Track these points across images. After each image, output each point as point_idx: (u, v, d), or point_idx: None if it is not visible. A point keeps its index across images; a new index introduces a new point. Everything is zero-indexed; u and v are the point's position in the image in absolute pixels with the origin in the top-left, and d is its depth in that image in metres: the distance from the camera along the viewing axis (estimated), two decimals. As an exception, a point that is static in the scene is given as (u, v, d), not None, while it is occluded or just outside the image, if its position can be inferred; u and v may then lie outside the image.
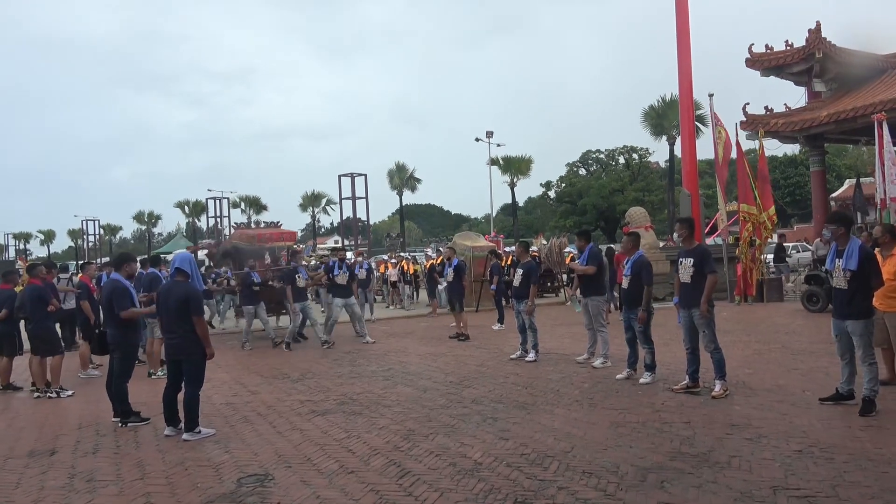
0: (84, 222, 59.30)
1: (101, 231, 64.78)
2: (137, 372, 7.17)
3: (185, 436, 5.84)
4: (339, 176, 27.30)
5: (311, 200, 63.26)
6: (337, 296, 11.67)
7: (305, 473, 4.78)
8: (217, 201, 44.88)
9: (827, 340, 6.64)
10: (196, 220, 61.31)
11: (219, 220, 44.52)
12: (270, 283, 12.41)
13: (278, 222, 15.47)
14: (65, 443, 5.95)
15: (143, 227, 72.57)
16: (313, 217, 64.86)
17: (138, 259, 8.42)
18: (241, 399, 7.50)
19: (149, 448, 5.65)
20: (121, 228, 77.93)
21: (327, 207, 63.15)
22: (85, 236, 59.68)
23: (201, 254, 18.70)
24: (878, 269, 5.88)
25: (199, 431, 5.89)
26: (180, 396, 6.00)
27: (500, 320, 13.38)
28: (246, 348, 11.56)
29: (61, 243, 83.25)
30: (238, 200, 60.72)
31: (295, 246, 15.45)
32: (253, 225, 14.84)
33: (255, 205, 63.10)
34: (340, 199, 29.77)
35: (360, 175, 26.40)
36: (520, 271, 9.50)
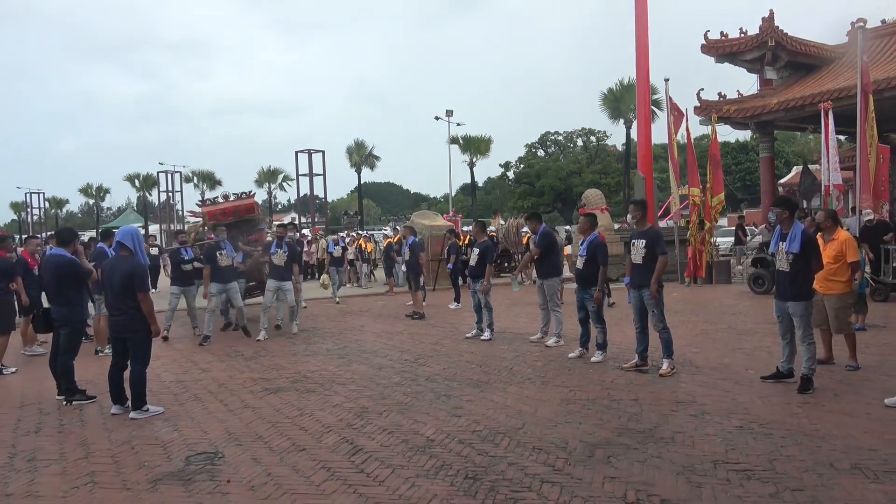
0: (28, 195, 57.00)
1: (47, 204, 62.37)
2: (84, 349, 6.97)
3: (132, 414, 5.72)
4: (297, 152, 26.68)
5: (268, 176, 62.11)
6: (272, 277, 10.28)
7: (256, 451, 4.75)
8: (169, 175, 43.59)
9: (770, 321, 6.89)
10: (147, 195, 59.56)
11: (171, 194, 43.33)
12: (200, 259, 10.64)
13: (251, 192, 12.75)
14: (5, 421, 5.76)
15: (91, 201, 70.14)
16: (269, 193, 63.78)
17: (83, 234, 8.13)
18: (191, 377, 7.37)
19: (94, 427, 5.52)
20: (67, 202, 75.11)
21: (284, 184, 62.16)
22: (29, 209, 57.35)
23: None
24: (819, 252, 6.10)
25: (148, 409, 5.78)
26: (127, 374, 5.86)
27: (457, 299, 13.45)
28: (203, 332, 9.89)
29: (3, 216, 79.95)
30: (191, 175, 59.25)
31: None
32: (220, 199, 12.50)
33: (209, 179, 61.67)
34: (297, 175, 29.19)
35: (318, 151, 25.88)
36: (476, 251, 9.55)
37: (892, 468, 4.03)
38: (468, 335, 9.45)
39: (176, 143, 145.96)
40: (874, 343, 7.84)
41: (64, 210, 73.74)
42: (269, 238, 12.05)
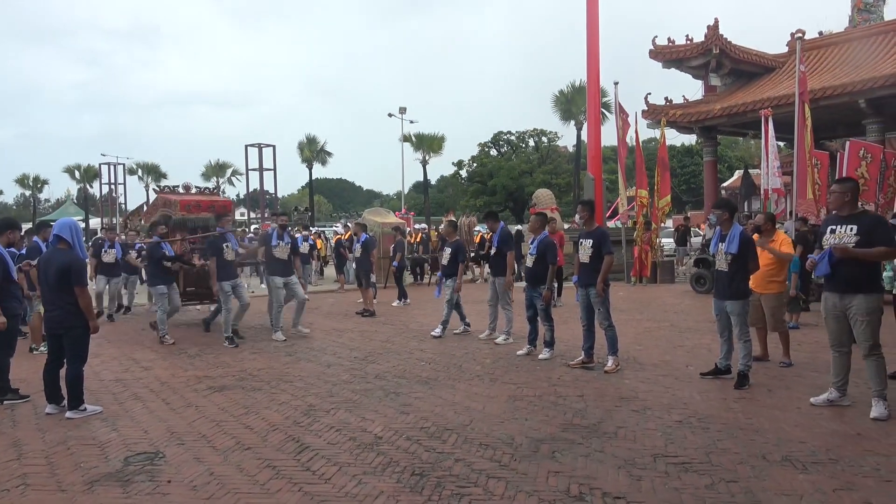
0: (-43, 185, 54.23)
1: (-22, 195, 59.52)
2: (19, 346, 6.68)
3: (68, 413, 5.52)
4: (247, 146, 26.14)
5: (216, 170, 60.69)
6: (276, 274, 9.27)
7: (199, 451, 4.65)
8: (111, 167, 42.10)
9: (711, 319, 7.12)
10: (88, 187, 57.42)
11: (113, 186, 41.88)
12: (190, 259, 10.02)
13: (215, 188, 12.73)
14: (-71, 422, 5.48)
15: (28, 193, 67.20)
16: (218, 188, 62.24)
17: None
18: (132, 375, 7.16)
19: (27, 427, 5.30)
20: (1, 193, 71.82)
21: (233, 178, 60.86)
22: (-41, 200, 54.58)
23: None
24: (756, 253, 6.33)
25: (85, 409, 5.59)
26: (63, 372, 5.65)
27: (401, 297, 13.46)
28: (167, 341, 8.99)
29: (-71, 206, 75.89)
30: (135, 167, 57.38)
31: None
32: (181, 189, 11.77)
33: (154, 172, 59.80)
34: (247, 169, 28.50)
35: (269, 146, 25.40)
36: (448, 250, 9.54)
37: (819, 460, 4.22)
38: (456, 331, 9.42)
39: (120, 135, 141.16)
40: (806, 341, 8.19)
41: (-2, 202, 70.40)
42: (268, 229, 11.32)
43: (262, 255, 10.17)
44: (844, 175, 11.77)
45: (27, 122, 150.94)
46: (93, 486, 4.05)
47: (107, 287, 11.87)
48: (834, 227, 5.22)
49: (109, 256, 11.60)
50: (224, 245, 8.95)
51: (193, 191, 11.65)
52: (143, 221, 12.57)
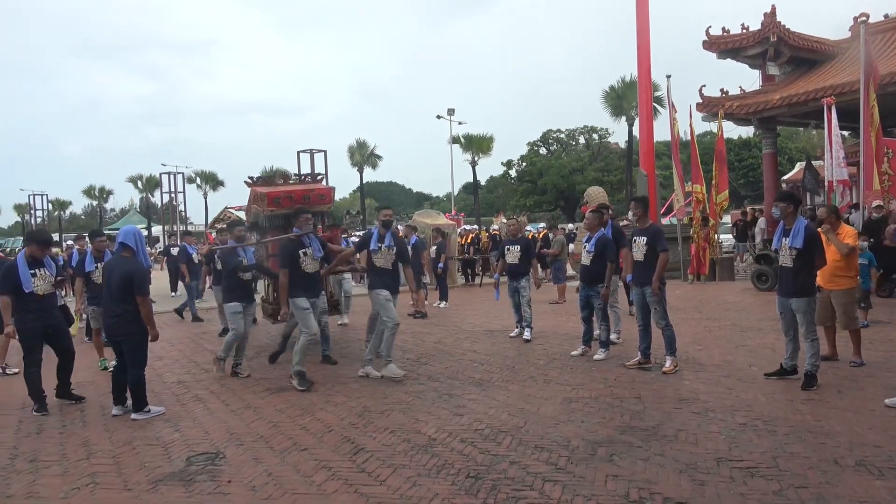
0: (31, 197, 57.08)
1: (50, 206, 62.51)
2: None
3: (133, 415, 5.71)
4: (298, 152, 26.53)
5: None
6: (378, 287, 6.84)
7: (258, 451, 4.73)
8: (171, 176, 43.63)
9: (774, 318, 6.85)
10: (150, 196, 59.63)
11: (173, 195, 43.36)
12: (268, 268, 8.10)
13: (318, 175, 9.64)
14: (6, 423, 5.76)
15: (94, 203, 70.27)
16: (320, 173, 63.56)
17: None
18: (193, 377, 7.36)
19: (96, 427, 5.51)
20: (70, 203, 75.20)
21: (287, 184, 62.06)
22: (32, 211, 57.45)
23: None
24: (823, 248, 6.06)
25: (149, 410, 5.76)
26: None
27: (442, 297, 13.44)
28: (240, 373, 7.28)
29: (7, 218, 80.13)
30: (193, 176, 59.26)
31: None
32: (279, 180, 9.42)
33: (212, 180, 61.58)
34: (299, 175, 29.05)
35: (320, 151, 25.73)
36: (517, 247, 8.96)
37: (896, 465, 4.00)
38: (511, 334, 9.14)
39: (180, 144, 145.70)
40: (878, 339, 7.79)
41: (67, 212, 73.80)
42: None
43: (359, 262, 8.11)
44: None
45: (94, 136, 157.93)
46: (157, 485, 4.17)
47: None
48: None
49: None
50: (301, 252, 6.70)
51: (292, 180, 9.32)
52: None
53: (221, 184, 61.91)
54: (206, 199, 59.53)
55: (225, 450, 4.78)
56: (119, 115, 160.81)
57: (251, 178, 9.11)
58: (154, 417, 5.69)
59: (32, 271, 6.00)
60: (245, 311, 7.31)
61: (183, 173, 45.69)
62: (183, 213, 43.32)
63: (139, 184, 60.30)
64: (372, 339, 7.02)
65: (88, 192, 66.96)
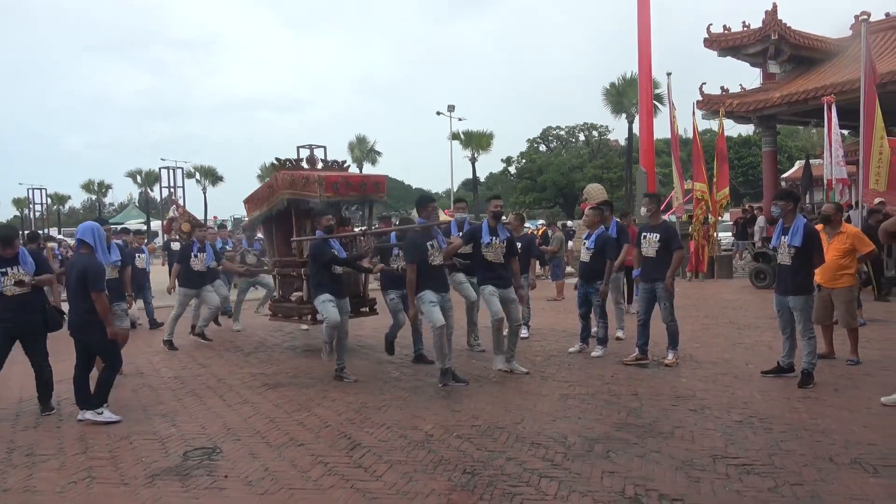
0: (30, 191, 57.02)
1: (49, 201, 62.44)
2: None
3: (86, 414, 5.41)
4: (298, 147, 26.45)
5: (270, 172, 61.98)
6: (489, 281, 6.60)
7: (254, 446, 4.74)
8: (171, 171, 43.65)
9: (771, 316, 6.86)
10: (149, 191, 59.60)
11: (172, 190, 43.33)
12: (363, 263, 7.31)
13: (344, 162, 8.99)
14: (4, 416, 5.75)
15: (93, 197, 70.22)
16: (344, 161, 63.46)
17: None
18: (190, 372, 7.37)
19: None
20: (69, 198, 75.13)
21: (286, 179, 62.01)
22: (31, 205, 57.38)
23: None
24: (821, 246, 6.07)
25: (101, 412, 5.41)
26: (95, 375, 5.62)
27: None
28: (346, 377, 6.74)
29: (5, 212, 80.00)
30: (193, 171, 59.22)
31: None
32: (306, 165, 8.51)
33: (211, 175, 61.63)
34: (326, 161, 28.74)
35: (320, 147, 25.67)
36: (518, 245, 9.02)
37: (891, 463, 4.00)
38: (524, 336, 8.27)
39: (183, 140, 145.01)
40: (875, 338, 7.80)
41: (66, 206, 73.77)
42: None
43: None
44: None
45: (98, 131, 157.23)
46: (154, 479, 4.17)
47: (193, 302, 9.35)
48: None
49: (199, 263, 8.99)
50: (429, 244, 6.27)
51: (319, 166, 8.55)
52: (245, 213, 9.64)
53: (220, 179, 61.95)
54: (205, 194, 59.57)
55: (222, 445, 4.79)
56: (122, 110, 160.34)
57: (278, 160, 8.44)
58: (151, 412, 5.69)
59: (3, 270, 5.58)
60: (338, 305, 6.67)
61: (182, 168, 45.75)
62: (182, 208, 43.25)
63: (138, 178, 60.27)
64: (495, 342, 6.73)
65: (87, 186, 66.94)
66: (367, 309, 8.38)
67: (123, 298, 7.55)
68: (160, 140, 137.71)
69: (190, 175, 57.03)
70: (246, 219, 10.11)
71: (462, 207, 7.93)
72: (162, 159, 47.14)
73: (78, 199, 79.26)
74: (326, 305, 6.60)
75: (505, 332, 6.65)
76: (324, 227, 6.89)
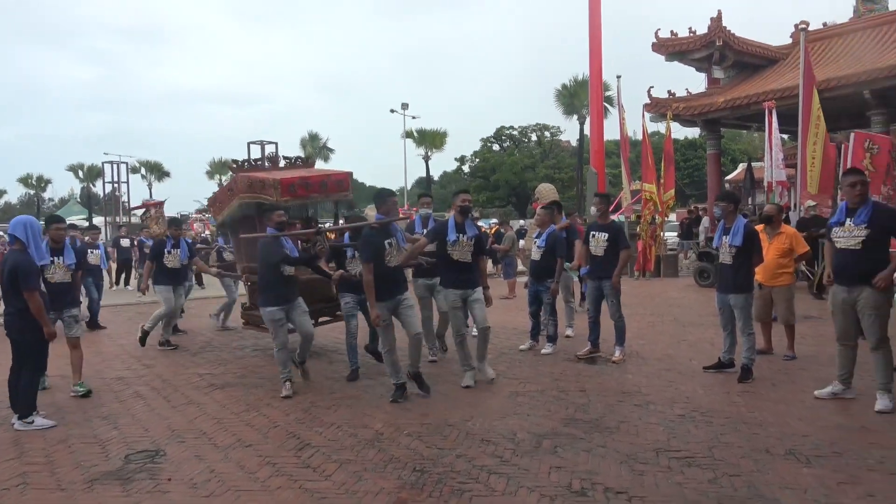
0: (-40, 185, 54.44)
1: (-19, 195, 59.78)
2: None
3: (15, 424, 5.18)
4: (249, 143, 26.09)
5: (220, 168, 60.83)
6: (453, 284, 6.23)
7: (200, 448, 4.64)
8: (114, 166, 42.25)
9: (714, 313, 7.07)
10: (91, 186, 57.59)
11: (116, 185, 41.97)
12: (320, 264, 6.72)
13: (309, 159, 8.70)
14: (-69, 422, 5.48)
15: (31, 192, 67.41)
16: (220, 185, 62.47)
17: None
18: (134, 373, 7.16)
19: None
20: (5, 192, 72.02)
21: (236, 176, 60.95)
22: (-38, 200, 54.80)
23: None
24: (760, 246, 6.30)
25: (32, 422, 5.17)
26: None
27: None
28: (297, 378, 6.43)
29: (-65, 207, 76.11)
30: (138, 165, 57.56)
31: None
32: (266, 164, 8.05)
33: (157, 170, 60.07)
34: (290, 159, 28.17)
35: (271, 143, 25.29)
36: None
37: (823, 453, 4.19)
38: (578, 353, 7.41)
39: (125, 133, 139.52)
40: (811, 334, 8.13)
41: (2, 201, 70.68)
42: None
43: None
44: (850, 167, 11.67)
45: (32, 123, 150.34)
46: (93, 484, 4.04)
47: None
48: (842, 220, 5.14)
49: (173, 260, 8.67)
50: (387, 242, 5.71)
51: (282, 164, 8.07)
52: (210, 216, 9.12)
53: (167, 174, 60.40)
54: (150, 189, 57.95)
55: (166, 447, 4.67)
56: (60, 101, 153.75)
57: (235, 161, 8.00)
58: (91, 415, 5.51)
59: None
60: (291, 311, 6.17)
61: (126, 163, 44.34)
62: (126, 205, 41.96)
63: (80, 173, 58.25)
64: (459, 350, 6.19)
65: (25, 180, 64.26)
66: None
67: (76, 304, 6.57)
68: (103, 133, 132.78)
69: (135, 170, 55.49)
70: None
71: (427, 202, 7.50)
72: (105, 153, 45.65)
73: (14, 193, 76.01)
74: (275, 326, 6.04)
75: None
76: (275, 224, 6.29)
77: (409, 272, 6.67)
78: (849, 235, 5.04)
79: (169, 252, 8.63)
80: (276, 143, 8.88)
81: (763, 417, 4.95)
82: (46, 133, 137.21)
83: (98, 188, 51.74)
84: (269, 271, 6.13)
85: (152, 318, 8.49)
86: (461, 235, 6.05)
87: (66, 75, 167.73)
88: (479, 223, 19.39)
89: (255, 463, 4.32)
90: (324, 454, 4.43)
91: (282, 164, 8.06)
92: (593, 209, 7.73)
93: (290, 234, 6.56)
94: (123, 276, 17.21)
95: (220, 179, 61.02)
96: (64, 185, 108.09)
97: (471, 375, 6.13)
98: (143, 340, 8.35)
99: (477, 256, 6.15)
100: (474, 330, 6.60)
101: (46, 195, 69.95)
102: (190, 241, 10.15)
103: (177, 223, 9.32)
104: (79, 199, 57.50)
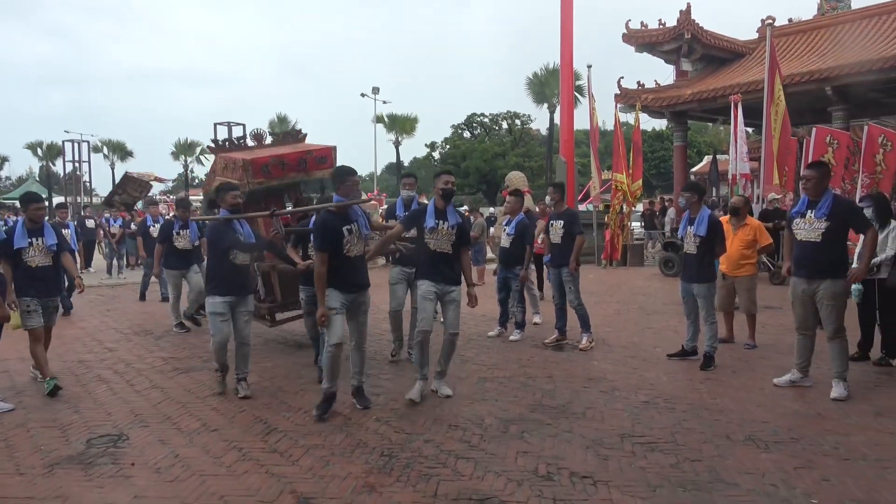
0: (-88, 161, 52.37)
1: (-67, 171, 57.60)
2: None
3: None
4: (215, 124, 25.45)
5: (185, 149, 59.56)
6: (427, 276, 5.39)
7: (164, 433, 4.57)
8: (76, 145, 40.95)
9: (678, 302, 7.20)
10: (51, 165, 55.88)
11: (77, 164, 40.76)
12: (285, 251, 6.13)
13: (295, 130, 8.36)
14: None
15: (-13, 170, 65.23)
16: (186, 167, 61.19)
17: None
18: (96, 356, 7.01)
19: (-16, 409, 5.15)
20: (-42, 170, 69.48)
21: (202, 157, 59.78)
22: (-87, 177, 52.73)
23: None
24: (724, 237, 6.42)
25: None
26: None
27: None
28: (241, 391, 5.57)
29: None
30: (100, 145, 56.02)
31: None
32: (250, 142, 7.59)
33: (120, 150, 58.57)
34: (276, 135, 27.61)
35: (239, 124, 24.81)
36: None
37: (781, 439, 4.32)
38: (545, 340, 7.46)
39: (86, 111, 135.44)
40: (771, 324, 8.35)
41: (-45, 179, 68.17)
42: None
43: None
44: (811, 161, 11.96)
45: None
46: (53, 468, 3.96)
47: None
48: (803, 211, 5.27)
49: (184, 241, 8.39)
50: (345, 228, 4.91)
51: (268, 141, 7.58)
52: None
53: (130, 154, 58.97)
54: (113, 169, 56.54)
55: (129, 431, 4.60)
56: (18, 77, 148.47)
57: (215, 141, 7.56)
58: (52, 399, 5.37)
59: None
60: (236, 308, 5.52)
61: (88, 142, 43.04)
62: (88, 184, 40.90)
63: (39, 151, 56.48)
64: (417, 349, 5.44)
65: (-20, 158, 62.06)
66: None
67: (60, 291, 6.05)
68: (64, 111, 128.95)
69: (97, 149, 53.98)
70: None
71: (410, 184, 6.72)
72: (66, 131, 44.27)
73: (-31, 171, 73.35)
74: (215, 319, 5.41)
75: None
76: (229, 206, 5.51)
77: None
78: (809, 228, 5.17)
79: (178, 233, 8.38)
80: (243, 125, 8.71)
81: (724, 404, 5.08)
82: (2, 108, 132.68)
83: (58, 167, 50.18)
84: (217, 258, 5.48)
85: (190, 302, 8.36)
86: (441, 222, 5.22)
87: (26, 50, 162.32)
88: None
89: (220, 448, 4.28)
90: (291, 439, 4.41)
91: (268, 140, 7.61)
92: (548, 198, 7.82)
93: (244, 217, 5.74)
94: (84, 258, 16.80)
95: (186, 161, 59.84)
96: (22, 164, 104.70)
97: (419, 389, 5.26)
98: (194, 320, 8.42)
99: (458, 248, 5.32)
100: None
101: (3, 173, 67.77)
102: (161, 220, 10.01)
103: (185, 204, 9.03)
104: (38, 179, 55.85)
